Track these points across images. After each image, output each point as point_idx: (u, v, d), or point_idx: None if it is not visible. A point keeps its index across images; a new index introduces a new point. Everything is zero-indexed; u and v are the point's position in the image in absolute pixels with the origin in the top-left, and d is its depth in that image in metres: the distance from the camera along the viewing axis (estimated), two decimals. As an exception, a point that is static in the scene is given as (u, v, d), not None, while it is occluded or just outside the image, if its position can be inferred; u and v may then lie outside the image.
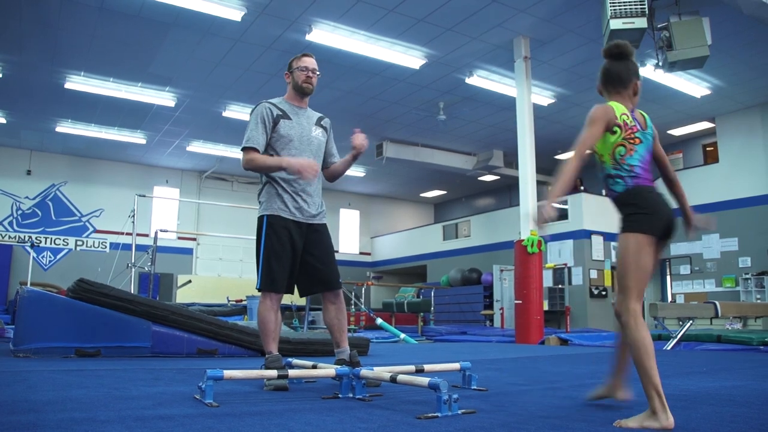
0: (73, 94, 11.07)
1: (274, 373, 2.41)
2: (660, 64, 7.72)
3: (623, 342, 2.13)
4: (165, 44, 9.20)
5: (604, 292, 12.81)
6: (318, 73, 3.10)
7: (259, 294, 2.93)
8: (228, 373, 2.20)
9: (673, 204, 2.14)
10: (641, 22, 6.79)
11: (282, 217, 2.91)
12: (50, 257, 14.97)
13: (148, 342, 4.42)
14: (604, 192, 14.40)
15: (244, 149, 2.94)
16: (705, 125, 12.99)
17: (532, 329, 8.50)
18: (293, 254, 2.92)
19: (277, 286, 2.88)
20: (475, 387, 2.70)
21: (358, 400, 2.32)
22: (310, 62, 3.08)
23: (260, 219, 2.97)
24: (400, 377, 2.27)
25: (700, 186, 12.54)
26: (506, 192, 18.12)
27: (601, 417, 1.97)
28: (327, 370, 2.61)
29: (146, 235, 12.79)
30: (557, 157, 15.30)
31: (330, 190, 16.51)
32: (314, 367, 2.88)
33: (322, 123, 3.17)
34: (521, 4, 8.05)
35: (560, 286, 13.05)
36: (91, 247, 15.46)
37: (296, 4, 8.05)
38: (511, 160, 14.31)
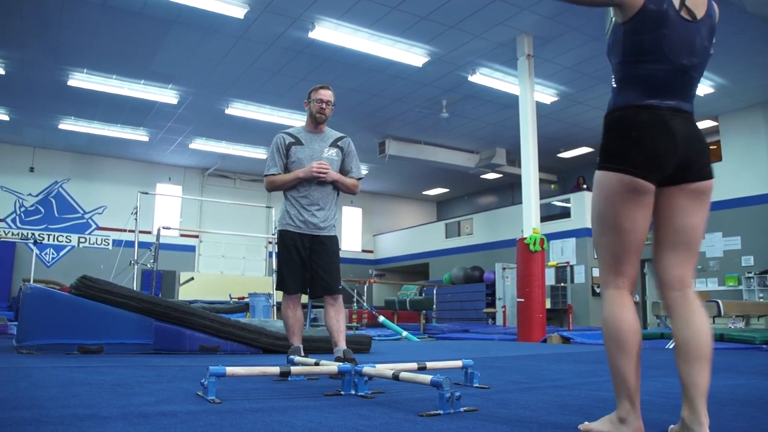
0: (76, 92, 11.08)
1: (275, 369, 2.43)
2: (663, 62, 7.69)
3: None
4: (167, 42, 9.20)
5: (606, 291, 12.79)
6: (332, 104, 3.47)
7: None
8: (230, 369, 2.20)
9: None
10: (645, 20, 6.76)
11: (289, 231, 3.38)
12: (53, 254, 15.01)
13: (151, 339, 4.43)
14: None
15: (265, 176, 3.45)
16: (708, 123, 12.95)
17: (534, 327, 8.50)
18: (301, 262, 3.38)
19: (287, 288, 3.38)
20: (477, 385, 2.70)
21: (361, 397, 2.32)
22: (325, 95, 3.45)
23: (277, 232, 3.51)
24: (403, 375, 2.27)
25: (703, 184, 12.50)
26: (509, 190, 18.11)
27: (602, 415, 1.97)
28: (329, 366, 2.62)
29: (149, 233, 12.82)
30: (560, 155, 15.29)
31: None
32: (317, 364, 2.88)
33: (339, 143, 3.51)
34: (524, 2, 8.03)
35: (562, 284, 13.04)
36: (93, 244, 15.49)
37: (299, 2, 8.04)
38: (514, 158, 14.30)
